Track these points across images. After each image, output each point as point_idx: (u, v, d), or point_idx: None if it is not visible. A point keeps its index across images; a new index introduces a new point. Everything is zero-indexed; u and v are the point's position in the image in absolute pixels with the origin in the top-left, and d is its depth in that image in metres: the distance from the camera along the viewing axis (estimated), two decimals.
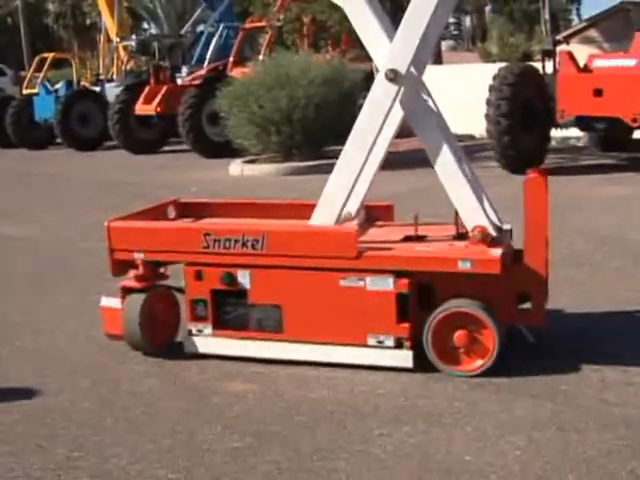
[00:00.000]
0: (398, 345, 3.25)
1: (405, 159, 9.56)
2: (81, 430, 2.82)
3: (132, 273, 3.45)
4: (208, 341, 3.42)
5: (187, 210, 4.00)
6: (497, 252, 3.27)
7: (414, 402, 3.00)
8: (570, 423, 2.79)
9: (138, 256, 3.45)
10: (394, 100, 3.33)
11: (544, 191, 3.28)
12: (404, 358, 3.25)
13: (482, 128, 12.51)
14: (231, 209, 4.01)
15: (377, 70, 3.43)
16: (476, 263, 3.21)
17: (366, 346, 3.28)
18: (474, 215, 3.36)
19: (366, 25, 3.36)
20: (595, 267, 4.96)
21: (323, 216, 3.41)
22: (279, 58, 10.70)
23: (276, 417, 2.90)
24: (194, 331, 3.43)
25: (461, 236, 3.46)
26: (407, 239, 3.49)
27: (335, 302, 3.29)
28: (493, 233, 3.34)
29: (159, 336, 3.52)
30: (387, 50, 3.31)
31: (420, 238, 3.49)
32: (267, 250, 3.30)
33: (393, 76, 3.26)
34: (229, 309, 3.39)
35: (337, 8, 12.06)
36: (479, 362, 3.22)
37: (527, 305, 3.39)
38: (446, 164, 3.37)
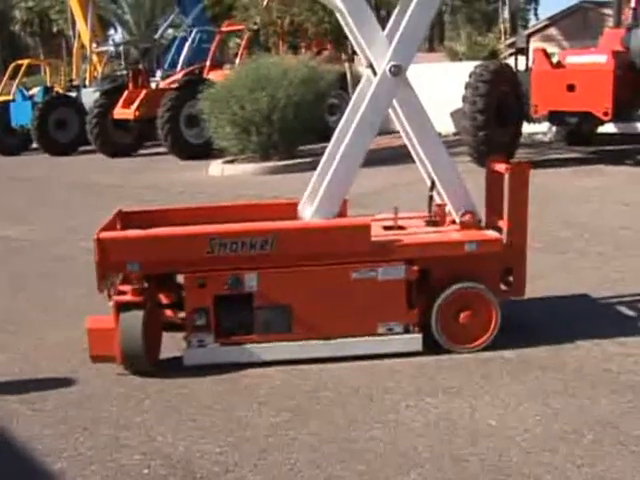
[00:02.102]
0: (406, 330, 3.40)
1: (370, 157, 9.80)
2: (122, 413, 2.93)
3: (127, 287, 3.24)
4: (210, 351, 3.28)
5: (131, 220, 3.70)
6: (495, 233, 3.50)
7: (432, 377, 3.18)
8: (580, 390, 3.00)
9: (132, 268, 3.22)
10: (396, 94, 3.47)
11: (527, 177, 3.52)
12: (414, 342, 3.39)
13: (448, 126, 12.88)
14: (178, 215, 3.82)
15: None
16: (481, 244, 3.44)
17: (376, 335, 3.38)
18: (464, 201, 3.56)
19: (366, 23, 3.45)
20: (580, 252, 5.22)
21: (324, 210, 3.43)
22: (259, 60, 10.85)
23: (305, 394, 3.05)
24: (194, 342, 3.28)
25: (434, 223, 3.66)
26: (388, 229, 3.61)
27: (346, 295, 3.33)
28: (479, 217, 3.56)
29: (153, 352, 3.32)
30: (390, 46, 3.42)
31: (401, 228, 3.64)
32: (277, 250, 3.25)
33: (397, 71, 3.40)
34: (233, 315, 3.28)
35: (314, 11, 12.28)
36: (483, 337, 3.43)
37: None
38: (438, 153, 3.55)
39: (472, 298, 3.43)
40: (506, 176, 3.62)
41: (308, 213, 3.59)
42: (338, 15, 3.75)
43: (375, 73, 3.51)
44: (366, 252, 3.33)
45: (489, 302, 3.43)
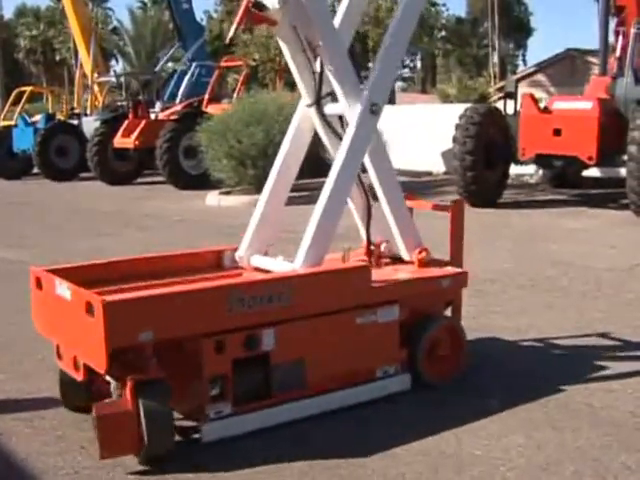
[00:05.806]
0: (396, 371, 3.41)
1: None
2: None
3: (149, 362, 2.74)
4: (229, 422, 2.91)
5: (63, 277, 3.02)
6: (457, 268, 3.64)
7: (421, 410, 3.27)
8: (563, 424, 3.11)
9: (146, 338, 2.66)
10: (374, 132, 3.49)
11: (463, 213, 3.70)
12: (405, 382, 3.42)
13: (439, 165, 13.17)
14: (98, 270, 3.34)
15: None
16: (454, 280, 3.58)
17: (375, 379, 3.34)
18: (417, 239, 3.69)
19: (341, 62, 3.42)
20: (564, 291, 5.37)
21: (314, 255, 3.27)
22: (256, 96, 11.11)
23: (300, 424, 3.08)
24: (212, 415, 2.88)
25: (377, 263, 3.69)
26: None
27: (352, 342, 3.25)
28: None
29: None
30: (368, 85, 3.44)
31: None
32: (293, 301, 3.03)
33: (377, 110, 3.43)
34: (250, 378, 2.98)
35: None
36: (459, 367, 3.57)
37: None
38: (395, 193, 3.63)
39: (448, 331, 3.57)
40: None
41: (264, 261, 3.52)
42: (285, 49, 3.43)
43: (321, 111, 3.51)
44: (366, 296, 3.28)
45: (460, 333, 3.60)
